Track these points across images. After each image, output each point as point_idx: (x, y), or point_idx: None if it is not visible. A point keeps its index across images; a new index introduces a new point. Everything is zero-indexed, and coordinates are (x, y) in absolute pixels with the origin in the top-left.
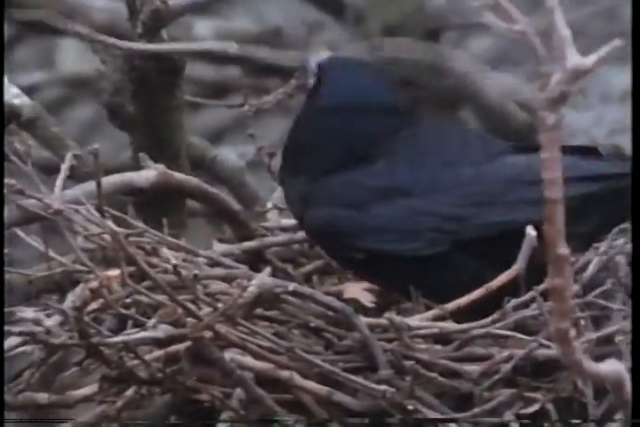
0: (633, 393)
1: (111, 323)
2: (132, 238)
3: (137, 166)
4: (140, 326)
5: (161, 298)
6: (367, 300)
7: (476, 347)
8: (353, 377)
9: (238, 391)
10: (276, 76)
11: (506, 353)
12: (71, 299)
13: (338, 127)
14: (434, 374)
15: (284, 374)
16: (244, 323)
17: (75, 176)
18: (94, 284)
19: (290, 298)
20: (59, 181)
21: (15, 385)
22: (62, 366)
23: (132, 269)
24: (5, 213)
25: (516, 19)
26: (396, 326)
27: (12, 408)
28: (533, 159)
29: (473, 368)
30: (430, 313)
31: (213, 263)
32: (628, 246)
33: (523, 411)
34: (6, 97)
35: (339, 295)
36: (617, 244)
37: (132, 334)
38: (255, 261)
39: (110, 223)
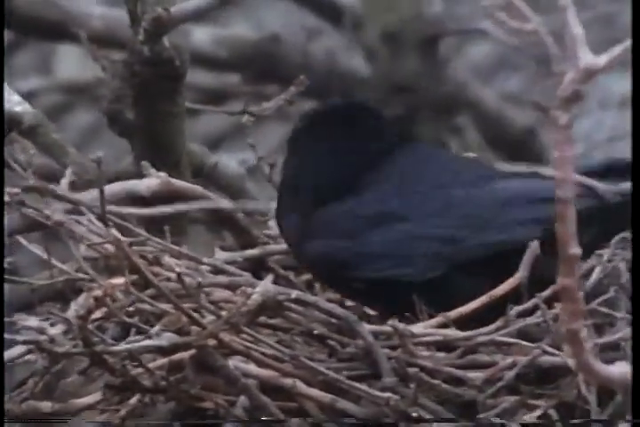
0: (633, 393)
1: (114, 331)
2: (134, 247)
3: (137, 173)
4: (143, 334)
5: (164, 306)
6: None
7: (480, 354)
8: (357, 385)
9: (242, 399)
10: (275, 82)
11: (509, 360)
12: (74, 307)
13: (323, 160)
14: (437, 382)
15: (288, 381)
16: (247, 331)
17: (76, 184)
18: (98, 292)
19: (293, 306)
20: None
21: (18, 394)
22: (65, 374)
23: (134, 277)
24: (8, 221)
25: (529, 18)
26: (400, 333)
27: (16, 417)
28: (525, 183)
29: (477, 375)
30: (434, 321)
31: (216, 271)
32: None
33: (526, 417)
34: (8, 105)
35: (341, 302)
36: (620, 251)
37: (135, 343)
38: (257, 268)
39: (114, 231)
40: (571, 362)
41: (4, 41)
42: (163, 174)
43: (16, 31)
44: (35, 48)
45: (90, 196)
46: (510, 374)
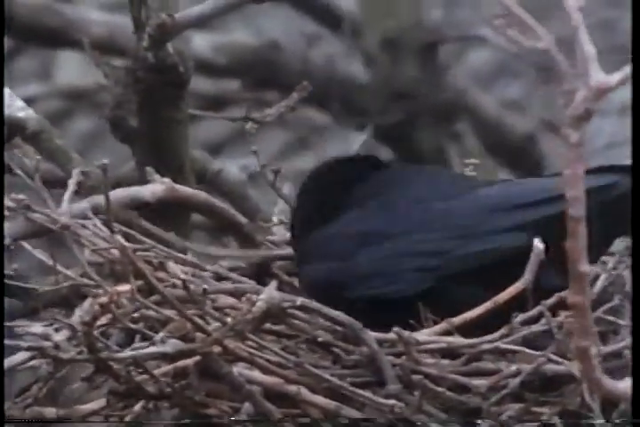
0: (633, 393)
1: (119, 337)
2: (139, 253)
3: (139, 179)
4: (147, 340)
5: (169, 313)
6: None
7: (484, 362)
8: (361, 392)
9: (247, 406)
10: (274, 89)
11: (514, 368)
12: (79, 313)
13: (308, 186)
14: (442, 389)
15: (292, 388)
16: (252, 337)
17: (80, 190)
18: (104, 299)
19: (297, 313)
20: (66, 196)
21: (23, 400)
22: (70, 380)
23: (139, 283)
24: (13, 227)
25: (540, 36)
26: (405, 340)
27: (19, 423)
28: (504, 188)
29: (481, 383)
30: (438, 327)
31: (219, 278)
32: None
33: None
34: (11, 110)
35: None
36: (624, 259)
37: (140, 349)
38: (261, 274)
39: (119, 238)
40: (576, 372)
41: (4, 47)
42: (167, 180)
43: (16, 37)
44: (35, 54)
45: (95, 201)
46: (515, 382)
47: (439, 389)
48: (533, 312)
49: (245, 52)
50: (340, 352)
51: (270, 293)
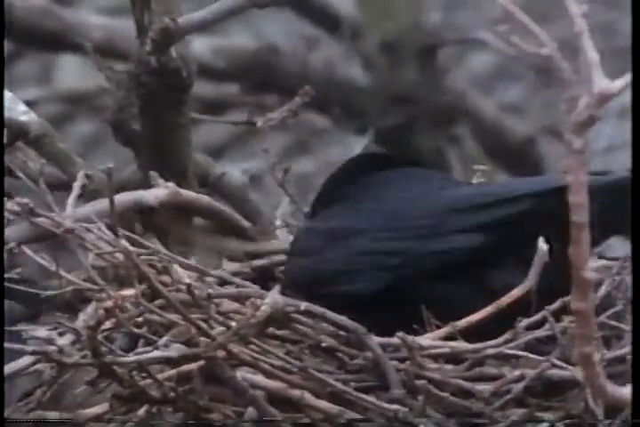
0: (633, 393)
1: (122, 341)
2: (143, 257)
3: (142, 183)
4: (151, 344)
5: (173, 317)
6: None
7: (488, 367)
8: (365, 396)
9: (250, 410)
10: (274, 92)
11: (517, 373)
12: (83, 318)
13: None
14: (446, 394)
15: (296, 393)
16: (256, 342)
17: (82, 194)
18: (109, 303)
19: (301, 317)
20: (71, 199)
21: (26, 404)
22: (73, 384)
23: (142, 287)
24: (17, 230)
25: (544, 43)
26: (408, 345)
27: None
28: (469, 189)
29: (485, 388)
30: (442, 331)
31: (223, 282)
32: None
33: None
34: (14, 114)
35: None
36: (628, 265)
37: (144, 354)
38: (264, 278)
39: (123, 242)
40: (580, 378)
41: (4, 51)
42: (171, 184)
43: (16, 41)
44: (35, 58)
45: (99, 206)
46: (518, 387)
47: (443, 394)
48: (537, 317)
49: (244, 55)
50: (344, 357)
51: (274, 297)
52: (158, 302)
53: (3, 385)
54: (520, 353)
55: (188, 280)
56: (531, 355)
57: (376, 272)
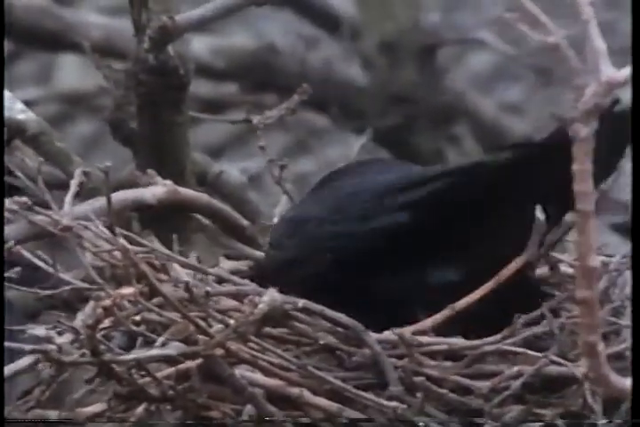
0: (633, 393)
1: (121, 340)
2: (140, 255)
3: (140, 182)
4: (150, 343)
5: (172, 315)
6: None
7: (486, 363)
8: (363, 394)
9: (249, 408)
10: (273, 92)
11: (516, 369)
12: (82, 317)
13: None
14: (444, 391)
15: (295, 390)
16: (255, 340)
17: (80, 193)
18: (107, 302)
19: (299, 315)
20: (68, 198)
21: (25, 402)
22: (72, 383)
23: (140, 286)
24: (15, 229)
25: (551, 31)
26: (406, 342)
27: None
28: (401, 169)
29: (483, 384)
30: (440, 315)
31: (221, 280)
32: None
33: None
34: (11, 113)
35: None
36: (626, 260)
37: (144, 352)
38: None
39: (121, 240)
40: (579, 372)
41: (4, 50)
42: (169, 182)
43: (16, 41)
44: (34, 58)
45: (97, 204)
46: (516, 384)
47: (441, 390)
48: (536, 313)
49: (244, 55)
50: (342, 354)
51: (272, 295)
52: (156, 300)
53: (3, 385)
54: (518, 350)
55: (186, 278)
56: (529, 351)
57: (319, 256)
